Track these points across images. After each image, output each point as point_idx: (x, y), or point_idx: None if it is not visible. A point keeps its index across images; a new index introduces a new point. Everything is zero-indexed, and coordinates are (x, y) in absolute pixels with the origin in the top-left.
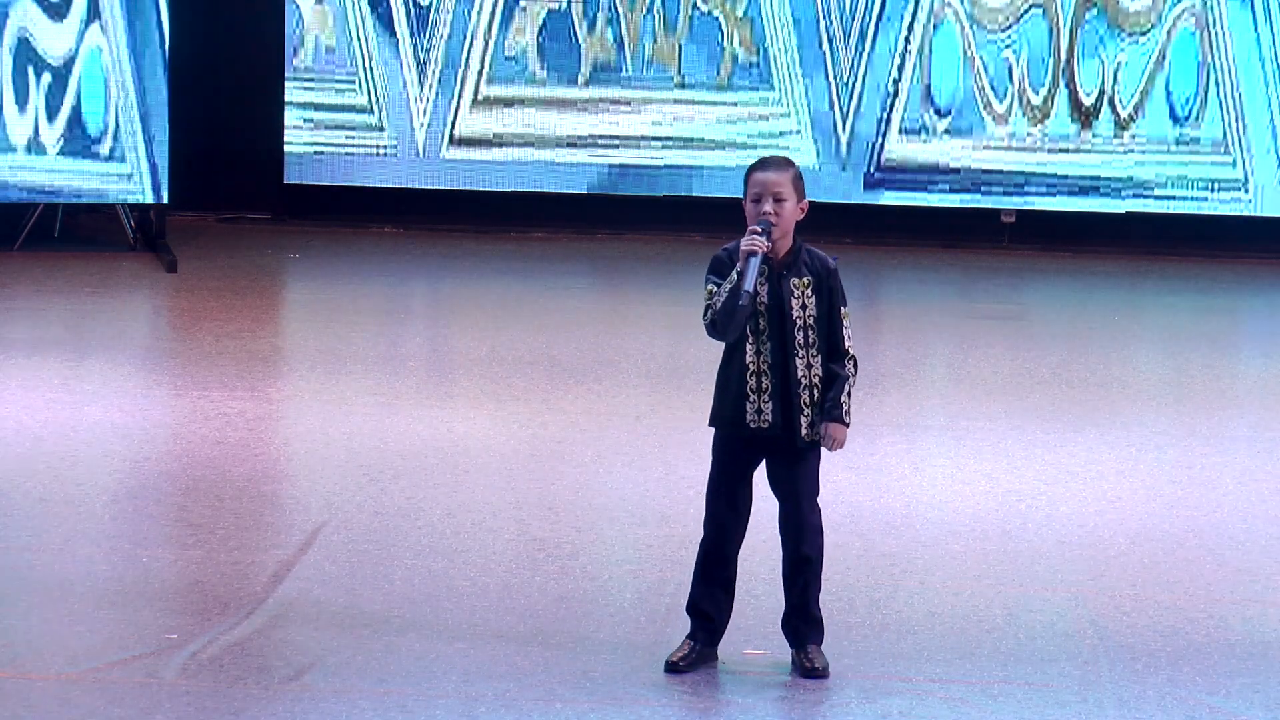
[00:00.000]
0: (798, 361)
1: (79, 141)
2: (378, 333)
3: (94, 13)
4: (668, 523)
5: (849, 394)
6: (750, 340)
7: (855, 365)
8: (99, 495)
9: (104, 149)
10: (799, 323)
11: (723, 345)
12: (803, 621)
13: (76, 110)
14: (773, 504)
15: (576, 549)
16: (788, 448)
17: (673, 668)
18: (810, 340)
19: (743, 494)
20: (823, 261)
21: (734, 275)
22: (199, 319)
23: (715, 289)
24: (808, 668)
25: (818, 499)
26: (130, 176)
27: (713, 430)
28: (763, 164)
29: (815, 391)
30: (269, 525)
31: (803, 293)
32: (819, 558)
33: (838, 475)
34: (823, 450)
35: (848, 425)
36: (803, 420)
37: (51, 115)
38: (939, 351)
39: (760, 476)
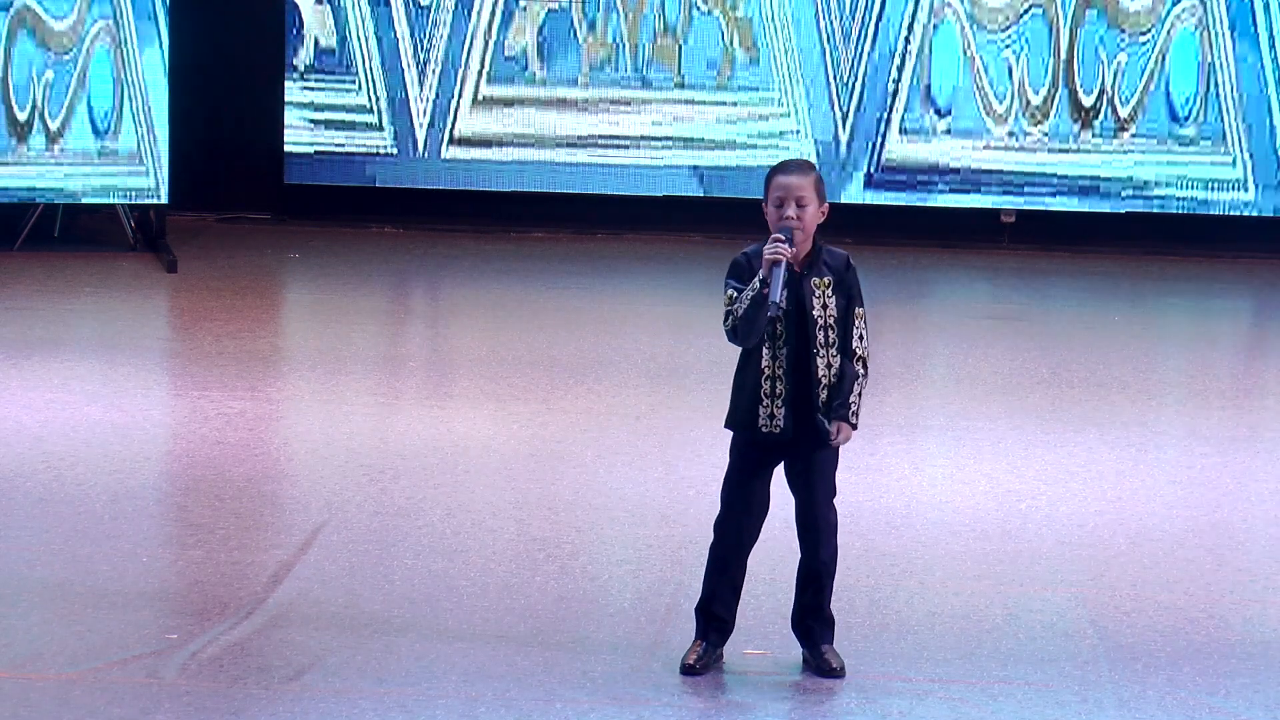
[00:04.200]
0: (819, 360)
1: (82, 141)
2: (378, 333)
3: (100, 11)
4: (668, 523)
5: (859, 395)
6: (767, 345)
7: (865, 368)
8: (99, 495)
9: (107, 149)
10: (820, 322)
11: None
12: (816, 621)
13: (80, 109)
14: (781, 506)
15: (576, 549)
16: (804, 448)
17: (689, 669)
18: (830, 340)
19: (759, 495)
20: (842, 259)
21: (755, 282)
22: (199, 319)
23: (736, 294)
24: (826, 668)
25: (834, 499)
26: (138, 175)
27: (730, 432)
28: (784, 168)
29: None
30: (269, 525)
31: (823, 292)
32: (834, 559)
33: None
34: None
35: (855, 427)
36: (821, 419)
37: (54, 114)
38: (939, 351)
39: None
